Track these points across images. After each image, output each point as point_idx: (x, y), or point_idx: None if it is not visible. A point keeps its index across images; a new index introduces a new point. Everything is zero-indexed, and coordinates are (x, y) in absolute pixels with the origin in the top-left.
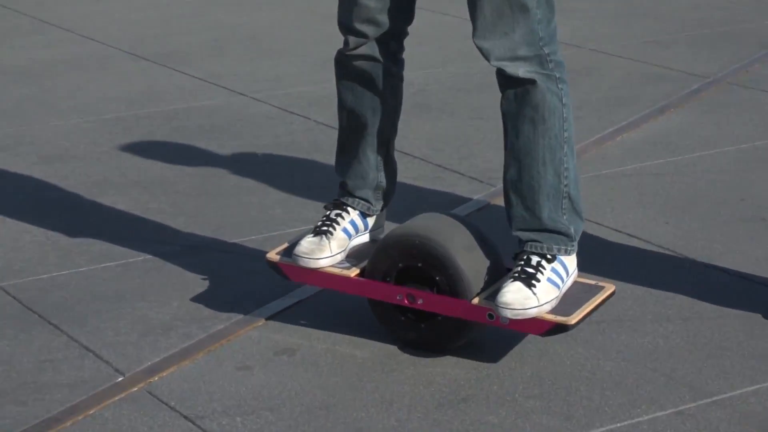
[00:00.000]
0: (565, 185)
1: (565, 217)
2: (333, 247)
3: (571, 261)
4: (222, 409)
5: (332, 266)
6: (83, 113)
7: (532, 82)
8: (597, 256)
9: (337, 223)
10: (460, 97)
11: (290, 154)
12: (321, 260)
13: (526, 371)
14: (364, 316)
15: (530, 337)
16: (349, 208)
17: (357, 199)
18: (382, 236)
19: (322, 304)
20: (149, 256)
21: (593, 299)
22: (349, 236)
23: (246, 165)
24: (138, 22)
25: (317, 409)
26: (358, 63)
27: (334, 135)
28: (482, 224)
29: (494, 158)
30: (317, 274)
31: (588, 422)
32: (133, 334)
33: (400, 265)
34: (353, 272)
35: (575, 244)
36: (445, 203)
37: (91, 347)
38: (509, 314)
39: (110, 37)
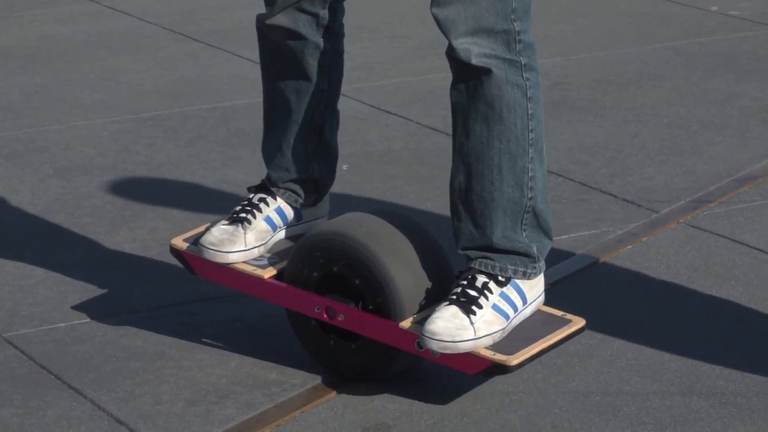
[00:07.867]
0: (530, 198)
1: (525, 234)
2: (249, 240)
3: (531, 287)
4: None
5: (245, 263)
6: (113, 110)
7: (487, 71)
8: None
9: (259, 210)
10: (611, 93)
11: (385, 166)
12: (231, 254)
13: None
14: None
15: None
16: (276, 194)
17: (282, 189)
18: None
19: (432, 365)
20: (198, 301)
21: (551, 335)
22: (274, 227)
23: None
24: None
25: None
26: (278, 36)
27: (441, 140)
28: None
29: (657, 175)
30: (226, 271)
31: None
32: (178, 403)
33: (317, 271)
34: (268, 273)
35: (538, 266)
36: (589, 235)
37: (124, 419)
38: (434, 347)
39: (148, 11)
